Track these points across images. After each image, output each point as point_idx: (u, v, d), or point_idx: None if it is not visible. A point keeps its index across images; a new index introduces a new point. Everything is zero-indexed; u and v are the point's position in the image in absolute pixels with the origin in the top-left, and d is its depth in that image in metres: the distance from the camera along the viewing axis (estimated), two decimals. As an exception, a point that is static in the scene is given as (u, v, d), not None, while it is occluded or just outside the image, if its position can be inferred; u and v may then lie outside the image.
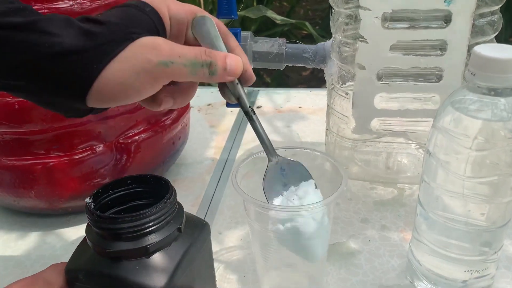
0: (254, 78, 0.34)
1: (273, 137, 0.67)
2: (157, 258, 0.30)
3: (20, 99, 0.43)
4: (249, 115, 0.34)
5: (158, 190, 0.32)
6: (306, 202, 0.33)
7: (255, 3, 1.94)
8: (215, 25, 0.34)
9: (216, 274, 0.43)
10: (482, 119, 0.31)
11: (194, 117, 0.72)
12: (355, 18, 0.41)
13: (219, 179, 0.58)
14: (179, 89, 0.34)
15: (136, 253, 0.30)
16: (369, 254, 0.45)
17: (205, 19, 0.34)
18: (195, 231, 0.33)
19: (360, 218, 0.50)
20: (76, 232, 0.49)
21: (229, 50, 0.34)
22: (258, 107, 0.76)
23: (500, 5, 0.39)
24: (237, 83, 0.33)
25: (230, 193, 0.55)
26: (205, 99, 0.79)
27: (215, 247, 0.46)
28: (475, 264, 0.35)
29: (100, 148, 0.48)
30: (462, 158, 0.31)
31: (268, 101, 0.78)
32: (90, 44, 0.28)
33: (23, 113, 0.44)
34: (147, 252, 0.30)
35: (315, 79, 2.02)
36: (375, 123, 0.45)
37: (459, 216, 0.34)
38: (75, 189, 0.48)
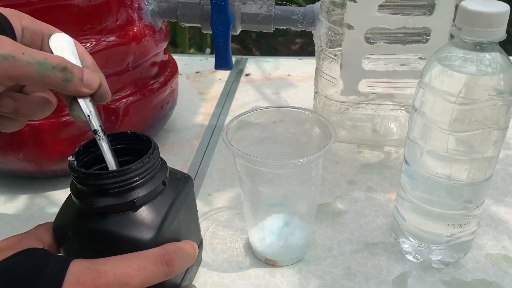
0: (109, 95, 0.33)
1: (261, 103, 0.67)
2: (144, 211, 0.31)
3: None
4: (97, 134, 0.32)
5: (139, 146, 0.33)
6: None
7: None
8: (73, 43, 0.33)
9: (206, 233, 0.44)
10: (467, 74, 0.31)
11: (183, 84, 0.72)
12: (344, -22, 0.41)
13: (208, 144, 0.58)
14: (28, 97, 0.32)
15: (123, 208, 0.30)
16: (355, 214, 0.46)
17: (63, 35, 0.33)
18: (179, 184, 0.33)
19: (347, 180, 0.50)
20: (64, 195, 0.49)
21: (85, 67, 0.32)
22: (246, 75, 0.76)
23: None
24: (90, 100, 0.32)
25: (219, 157, 0.55)
26: (193, 67, 0.79)
27: (204, 208, 0.47)
28: (457, 219, 0.36)
29: (88, 110, 0.48)
30: (446, 113, 0.32)
31: (257, 69, 0.78)
32: None
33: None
34: (134, 206, 0.30)
35: (304, 53, 2.01)
36: (363, 85, 0.46)
37: (442, 172, 0.34)
38: (63, 151, 0.48)
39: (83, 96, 0.31)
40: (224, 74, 0.76)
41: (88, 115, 0.32)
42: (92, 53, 0.45)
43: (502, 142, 0.34)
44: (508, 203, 0.46)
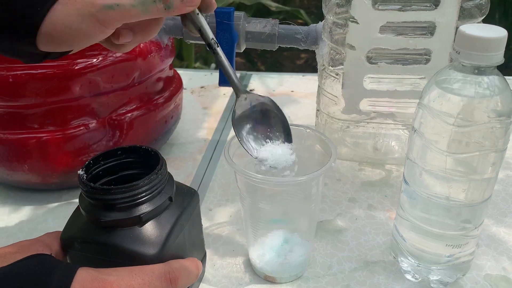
0: (215, 4, 0.34)
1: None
2: (150, 226, 0.32)
3: (15, 72, 0.44)
4: (212, 47, 0.33)
5: (148, 160, 0.33)
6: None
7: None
8: None
9: (207, 248, 0.44)
10: (465, 97, 0.32)
11: (187, 98, 0.73)
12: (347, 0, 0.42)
13: (211, 158, 0.59)
14: (139, 24, 0.33)
15: (129, 222, 0.31)
16: (355, 232, 0.46)
17: None
18: (185, 200, 0.34)
19: (348, 197, 0.51)
20: (68, 207, 0.50)
21: None
22: (250, 90, 0.77)
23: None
24: (198, 13, 0.32)
25: (221, 171, 0.56)
26: (198, 82, 0.80)
27: (205, 223, 0.47)
28: (456, 239, 0.36)
29: (93, 124, 0.49)
30: (445, 135, 0.32)
31: (261, 84, 0.79)
32: None
33: (17, 87, 0.44)
34: (140, 221, 0.31)
35: (309, 68, 2.02)
36: (364, 104, 0.46)
37: (440, 192, 0.35)
38: (68, 164, 0.48)
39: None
40: (228, 89, 0.77)
41: (199, 29, 0.33)
42: (99, 68, 0.47)
43: (501, 163, 0.34)
44: (508, 224, 0.47)
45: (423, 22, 0.41)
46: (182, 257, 0.33)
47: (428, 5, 0.40)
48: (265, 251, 0.40)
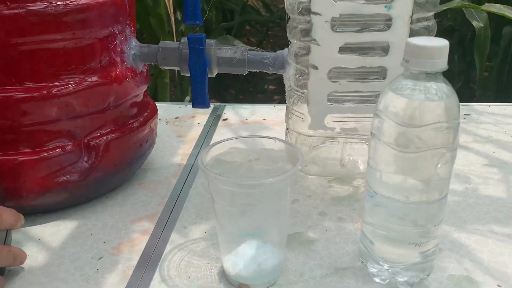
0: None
1: (238, 144, 0.70)
2: None
3: (-8, 95, 0.45)
4: None
5: None
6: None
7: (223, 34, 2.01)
8: None
9: (181, 262, 0.45)
10: (416, 100, 0.35)
11: (162, 128, 0.75)
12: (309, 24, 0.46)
13: (185, 181, 0.60)
14: None
15: None
16: (326, 242, 0.48)
17: None
18: None
19: (318, 211, 0.53)
20: (43, 230, 0.50)
21: None
22: (224, 120, 0.80)
23: (433, 12, 0.45)
24: None
25: (196, 193, 0.57)
26: (173, 113, 0.82)
27: (180, 240, 0.48)
28: (417, 238, 0.39)
29: (69, 146, 0.50)
30: (399, 136, 0.35)
31: (234, 114, 0.82)
32: None
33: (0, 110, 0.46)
34: None
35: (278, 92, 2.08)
36: (329, 120, 0.49)
37: (399, 193, 0.37)
38: (44, 186, 0.49)
39: None
40: (202, 119, 0.80)
41: None
42: (75, 92, 0.49)
43: (453, 163, 0.37)
44: (468, 230, 0.49)
45: (378, 42, 0.45)
46: None
47: (382, 27, 0.44)
48: (239, 259, 0.41)
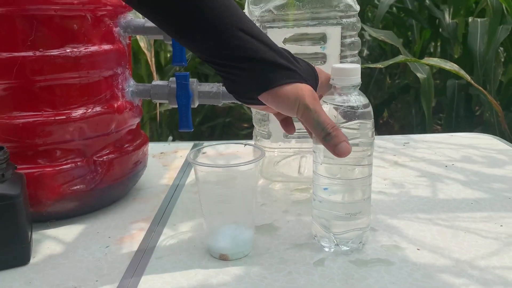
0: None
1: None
2: None
3: (24, 120, 0.58)
4: None
5: None
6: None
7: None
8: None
9: (173, 247, 0.56)
10: (340, 107, 0.50)
11: (150, 160, 0.87)
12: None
13: (172, 195, 0.72)
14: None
15: None
16: (287, 229, 0.60)
17: None
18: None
19: (282, 210, 0.65)
20: (56, 231, 0.61)
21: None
22: (203, 153, 0.93)
23: (357, 51, 0.61)
24: None
25: (182, 202, 0.69)
26: (158, 150, 0.95)
27: (171, 233, 0.60)
28: (353, 208, 0.52)
29: (80, 162, 0.62)
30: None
31: (211, 149, 0.95)
32: (291, 68, 0.46)
33: (26, 132, 0.58)
34: None
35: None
36: (286, 134, 0.64)
37: (335, 172, 0.51)
38: (59, 194, 0.61)
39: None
40: (184, 153, 0.93)
41: None
42: (86, 118, 0.62)
43: (372, 149, 0.51)
44: (399, 217, 0.63)
45: (318, 53, 0.61)
46: None
47: (319, 62, 0.60)
48: (219, 236, 0.53)
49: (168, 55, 2.03)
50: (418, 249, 0.54)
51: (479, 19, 1.86)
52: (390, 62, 1.49)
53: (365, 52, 2.63)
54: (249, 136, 2.50)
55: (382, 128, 2.86)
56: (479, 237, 0.57)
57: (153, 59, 1.30)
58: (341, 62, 0.61)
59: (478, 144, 0.93)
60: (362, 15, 2.66)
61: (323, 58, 0.60)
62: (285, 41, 0.60)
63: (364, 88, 2.67)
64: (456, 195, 0.69)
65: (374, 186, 0.72)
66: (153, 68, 1.32)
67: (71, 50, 0.59)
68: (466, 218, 0.62)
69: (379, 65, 1.46)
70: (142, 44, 1.31)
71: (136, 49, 1.74)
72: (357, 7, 0.60)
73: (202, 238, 0.58)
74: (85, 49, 0.61)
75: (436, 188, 0.73)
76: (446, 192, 0.70)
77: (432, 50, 2.61)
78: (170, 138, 1.79)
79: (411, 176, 0.77)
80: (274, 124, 0.63)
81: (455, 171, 0.79)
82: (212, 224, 0.53)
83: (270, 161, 0.68)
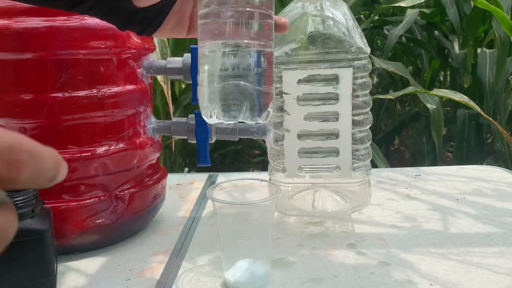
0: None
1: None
2: None
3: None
4: None
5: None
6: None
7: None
8: None
9: (192, 280, 0.58)
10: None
11: (167, 192, 0.90)
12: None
13: (189, 227, 0.75)
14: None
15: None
16: (302, 263, 0.62)
17: None
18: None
19: (296, 244, 0.67)
20: (79, 263, 0.64)
21: None
22: (216, 183, 0.95)
23: (368, 90, 0.64)
24: None
25: (199, 235, 0.71)
26: (174, 181, 0.98)
27: (189, 266, 0.62)
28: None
29: (103, 196, 0.65)
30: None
31: (225, 179, 0.98)
32: None
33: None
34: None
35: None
36: (301, 169, 0.66)
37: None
38: (83, 227, 0.63)
39: None
40: (199, 184, 0.95)
41: None
42: (110, 154, 0.65)
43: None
44: (411, 252, 0.64)
45: (331, 112, 0.63)
46: None
47: (332, 101, 0.63)
48: (236, 270, 0.55)
49: (183, 86, 2.08)
50: (430, 284, 0.56)
51: (488, 50, 1.88)
52: (400, 93, 1.52)
53: (375, 79, 2.66)
54: (260, 164, 2.54)
55: (393, 155, 2.87)
56: (491, 273, 0.58)
57: (169, 92, 1.34)
58: (354, 101, 0.63)
59: (489, 177, 0.95)
60: (371, 43, 2.72)
61: (335, 98, 0.63)
62: (299, 82, 0.63)
63: (375, 115, 2.71)
64: (468, 229, 0.71)
65: (387, 220, 0.74)
66: (169, 100, 1.36)
67: (97, 91, 0.63)
68: (478, 253, 0.63)
69: (389, 96, 1.49)
70: (159, 77, 1.35)
71: (152, 80, 1.79)
72: (368, 50, 0.63)
73: (219, 272, 0.60)
74: (110, 89, 0.64)
75: (447, 222, 0.74)
76: (457, 226, 0.72)
77: (441, 79, 2.64)
78: (186, 169, 1.83)
79: (423, 210, 0.79)
80: (289, 160, 0.66)
81: (466, 204, 0.81)
82: (229, 257, 0.56)
83: (284, 195, 0.70)
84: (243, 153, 2.75)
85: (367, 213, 0.76)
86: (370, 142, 0.67)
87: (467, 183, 0.92)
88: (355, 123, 0.64)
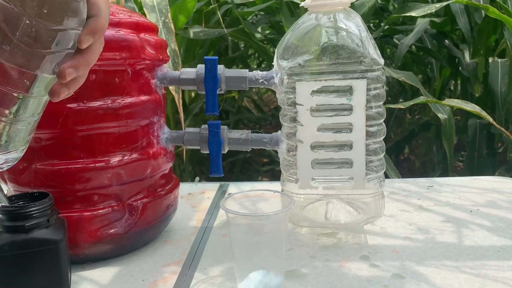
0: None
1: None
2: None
3: (65, 167, 0.62)
4: None
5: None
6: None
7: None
8: None
9: (204, 290, 0.58)
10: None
11: (179, 201, 0.90)
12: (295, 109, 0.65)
13: (201, 238, 0.75)
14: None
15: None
16: (315, 275, 0.61)
17: None
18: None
19: (309, 256, 0.67)
20: (92, 273, 0.64)
21: None
22: (229, 194, 0.95)
23: (382, 102, 0.64)
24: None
25: (211, 246, 0.71)
26: (186, 191, 0.98)
27: (202, 277, 0.62)
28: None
29: (116, 206, 0.65)
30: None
31: (237, 189, 0.98)
32: None
33: (67, 178, 0.62)
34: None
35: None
36: (314, 180, 0.66)
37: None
38: (96, 237, 0.64)
39: None
40: (211, 194, 0.95)
41: None
42: (123, 164, 0.65)
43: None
44: (426, 264, 0.63)
45: (344, 123, 0.63)
46: None
47: (346, 112, 0.63)
48: (250, 282, 0.55)
49: (192, 94, 2.09)
50: (446, 299, 0.55)
51: (499, 60, 1.87)
52: (411, 103, 1.51)
53: (385, 87, 2.66)
54: (269, 172, 2.54)
55: (403, 164, 2.85)
56: (507, 287, 0.57)
57: (180, 101, 1.35)
58: (367, 112, 0.63)
59: (502, 188, 0.94)
60: (381, 52, 2.72)
61: (349, 109, 0.63)
62: (313, 93, 0.63)
63: (385, 124, 2.69)
64: (482, 242, 0.70)
65: (400, 232, 0.73)
66: (180, 109, 1.37)
67: (111, 101, 0.64)
68: (494, 266, 0.62)
69: (400, 106, 1.48)
70: (171, 86, 1.36)
71: (166, 91, 1.80)
72: (382, 61, 0.63)
73: (232, 283, 0.59)
74: (124, 100, 0.65)
75: (461, 234, 0.73)
76: (472, 239, 0.71)
77: (452, 88, 2.62)
78: (197, 179, 1.83)
79: (436, 221, 0.78)
80: (302, 170, 0.65)
81: (480, 216, 0.80)
82: (242, 269, 0.55)
83: (296, 206, 0.70)
84: (252, 162, 2.75)
85: (380, 225, 0.76)
86: (384, 153, 0.67)
87: (480, 194, 0.91)
88: (368, 134, 0.64)
